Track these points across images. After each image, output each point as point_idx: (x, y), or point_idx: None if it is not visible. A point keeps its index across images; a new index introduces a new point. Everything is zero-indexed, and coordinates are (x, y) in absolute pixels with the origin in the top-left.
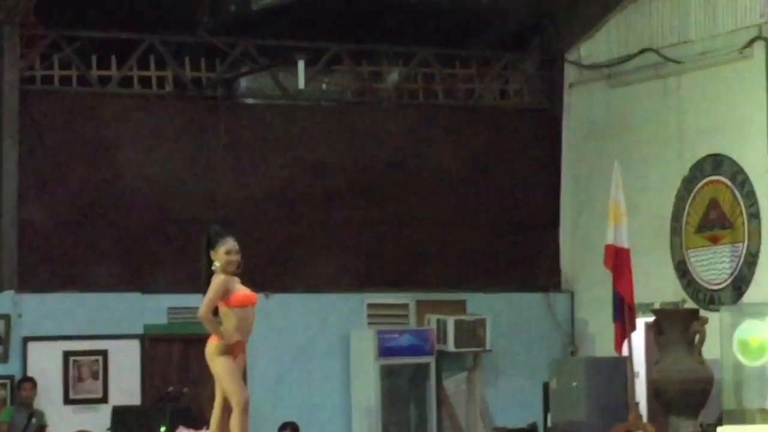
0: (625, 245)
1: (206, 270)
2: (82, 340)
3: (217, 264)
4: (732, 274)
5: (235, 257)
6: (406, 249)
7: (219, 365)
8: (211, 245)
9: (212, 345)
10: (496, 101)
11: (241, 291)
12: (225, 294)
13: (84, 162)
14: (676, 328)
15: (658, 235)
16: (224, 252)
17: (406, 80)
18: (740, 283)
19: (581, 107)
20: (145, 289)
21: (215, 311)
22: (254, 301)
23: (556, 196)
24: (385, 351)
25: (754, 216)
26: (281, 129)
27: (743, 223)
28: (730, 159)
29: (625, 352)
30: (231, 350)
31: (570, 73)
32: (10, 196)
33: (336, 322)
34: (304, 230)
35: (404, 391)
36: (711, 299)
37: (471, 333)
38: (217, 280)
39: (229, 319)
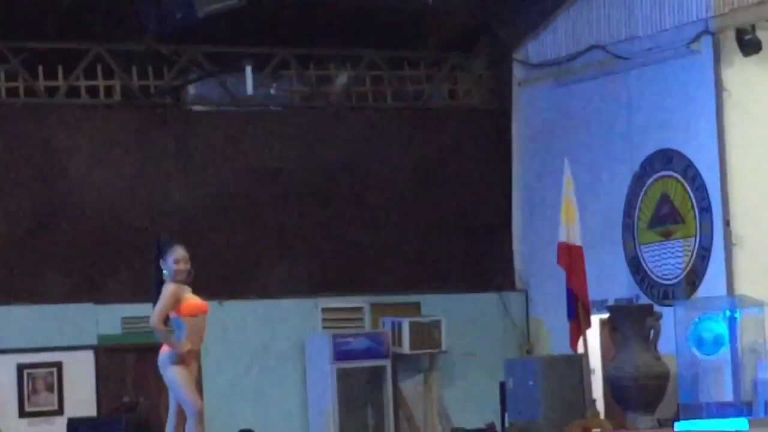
0: (578, 242)
1: (157, 279)
2: (36, 352)
3: (166, 273)
4: (685, 268)
5: (184, 266)
6: (360, 252)
7: (172, 374)
8: (160, 255)
9: (164, 354)
10: (446, 102)
11: (192, 300)
12: (176, 303)
13: (33, 173)
14: (631, 324)
15: (610, 232)
16: (173, 261)
17: (355, 83)
18: (694, 278)
19: (530, 106)
20: (99, 299)
21: (166, 320)
22: (205, 309)
23: (508, 195)
24: (340, 355)
25: (706, 210)
26: (231, 135)
27: (695, 218)
28: (680, 154)
29: (580, 349)
30: (183, 359)
31: (518, 72)
32: None
33: (291, 327)
34: (257, 236)
35: (361, 394)
36: (665, 294)
37: (426, 335)
38: (168, 290)
39: (180, 327)
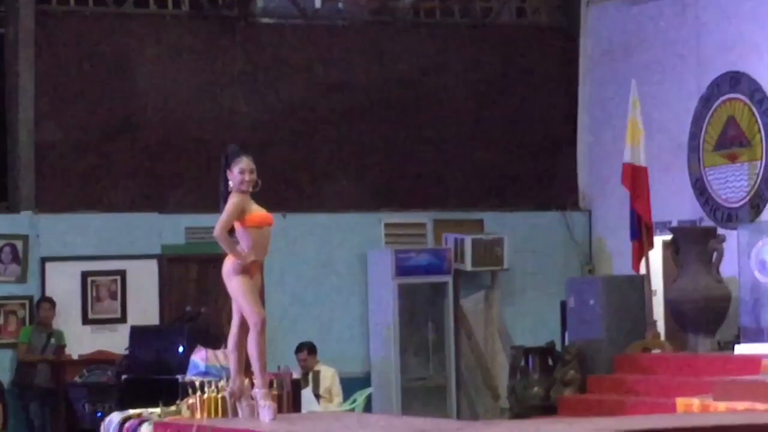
0: (643, 164)
1: (223, 190)
2: (101, 260)
3: (232, 184)
4: (750, 192)
5: (250, 176)
6: (424, 168)
7: (235, 285)
8: (227, 165)
9: (228, 264)
10: (514, 20)
11: (257, 211)
12: (241, 214)
13: (100, 82)
14: (694, 246)
15: (675, 154)
16: (238, 171)
17: None
18: (758, 201)
19: (599, 25)
20: (163, 209)
21: (231, 231)
22: (270, 221)
23: (574, 114)
24: (402, 270)
25: None
26: (298, 49)
27: (761, 141)
28: (748, 77)
29: (642, 270)
30: (247, 270)
31: None
32: (27, 117)
33: (353, 242)
34: (322, 150)
35: (422, 310)
36: (728, 217)
37: (488, 252)
38: (234, 200)
39: (244, 238)
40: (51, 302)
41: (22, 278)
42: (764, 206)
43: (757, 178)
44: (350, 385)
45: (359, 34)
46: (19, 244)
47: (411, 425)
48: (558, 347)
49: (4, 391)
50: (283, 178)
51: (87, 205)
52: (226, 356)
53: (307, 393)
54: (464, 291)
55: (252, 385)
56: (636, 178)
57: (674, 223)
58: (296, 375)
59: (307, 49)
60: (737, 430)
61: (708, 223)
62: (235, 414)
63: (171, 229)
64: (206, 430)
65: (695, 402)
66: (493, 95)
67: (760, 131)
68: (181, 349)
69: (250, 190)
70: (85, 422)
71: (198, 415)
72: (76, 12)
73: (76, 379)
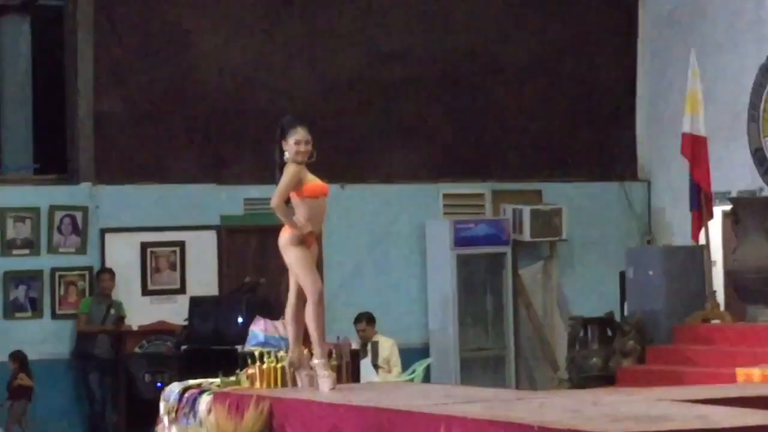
0: (702, 133)
1: (279, 161)
2: (160, 231)
3: (287, 155)
4: None
5: (305, 147)
6: (482, 139)
7: (292, 255)
8: (282, 135)
9: (285, 235)
10: None
11: (313, 182)
12: (297, 184)
13: (160, 53)
14: (754, 216)
15: (735, 123)
16: (294, 142)
17: None
18: None
19: None
20: (222, 180)
21: (287, 201)
22: (326, 191)
23: (633, 84)
24: (461, 241)
25: None
26: (357, 18)
27: None
28: None
29: (702, 240)
30: (304, 241)
31: None
32: (86, 88)
33: (412, 213)
34: (380, 120)
35: (480, 280)
36: None
37: (547, 222)
38: (290, 170)
39: (301, 209)
40: (111, 273)
41: (81, 249)
42: None
43: None
44: (409, 356)
45: (419, 3)
46: (78, 216)
47: (470, 395)
48: (617, 318)
49: (27, 360)
50: (340, 149)
51: (146, 177)
52: (285, 327)
53: (365, 363)
54: (522, 261)
55: (311, 355)
56: (695, 148)
57: (734, 193)
58: (355, 345)
59: (366, 18)
60: None
61: None
62: (294, 384)
63: (230, 200)
64: (266, 400)
65: (755, 372)
66: (553, 65)
67: None
68: (240, 319)
69: (306, 160)
70: (145, 393)
71: (257, 385)
72: None
73: (136, 349)
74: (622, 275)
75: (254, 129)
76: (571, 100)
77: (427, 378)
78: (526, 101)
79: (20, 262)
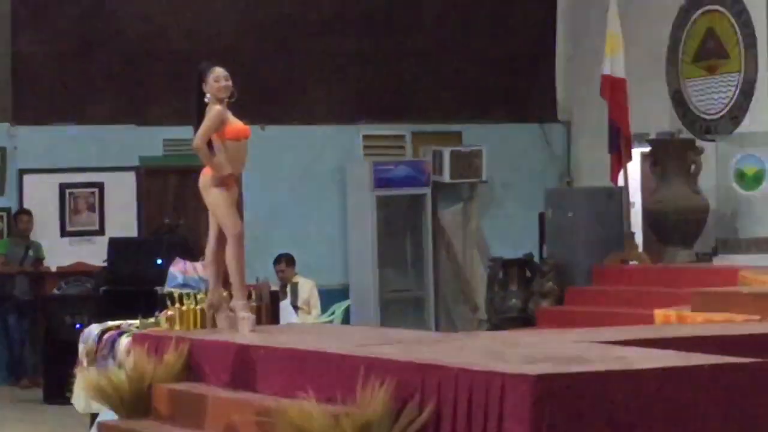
0: (622, 75)
1: (197, 106)
2: (78, 172)
3: (209, 96)
4: (728, 104)
5: (225, 82)
6: (402, 81)
7: (212, 197)
8: (201, 79)
9: (206, 177)
10: None
11: (235, 123)
12: (220, 125)
13: None
14: (672, 158)
15: (654, 65)
16: (214, 80)
17: None
18: (736, 113)
19: None
20: (141, 121)
21: (209, 144)
22: (248, 134)
23: (553, 25)
24: (380, 182)
25: (751, 45)
26: None
27: (740, 53)
28: None
29: (621, 182)
30: (224, 182)
31: None
32: (3, 28)
33: (331, 154)
34: (300, 62)
35: (400, 222)
36: (707, 129)
37: (467, 164)
38: (213, 111)
39: (222, 151)
40: (29, 214)
41: None
42: (743, 118)
43: (736, 89)
44: (328, 297)
45: None
46: None
47: (390, 337)
48: (536, 259)
49: None
50: (261, 91)
51: (65, 118)
52: (204, 268)
53: (285, 305)
54: (442, 203)
55: (230, 297)
56: (615, 90)
57: (653, 135)
58: (274, 287)
59: None
60: (714, 340)
61: (686, 135)
62: (214, 326)
63: (149, 141)
64: (185, 342)
65: (673, 313)
66: (472, 6)
67: (739, 43)
68: (159, 261)
69: (227, 98)
70: (64, 334)
71: (177, 327)
72: None
73: (55, 291)
74: (542, 217)
75: (174, 70)
76: (491, 41)
77: (346, 320)
78: (445, 42)
79: None
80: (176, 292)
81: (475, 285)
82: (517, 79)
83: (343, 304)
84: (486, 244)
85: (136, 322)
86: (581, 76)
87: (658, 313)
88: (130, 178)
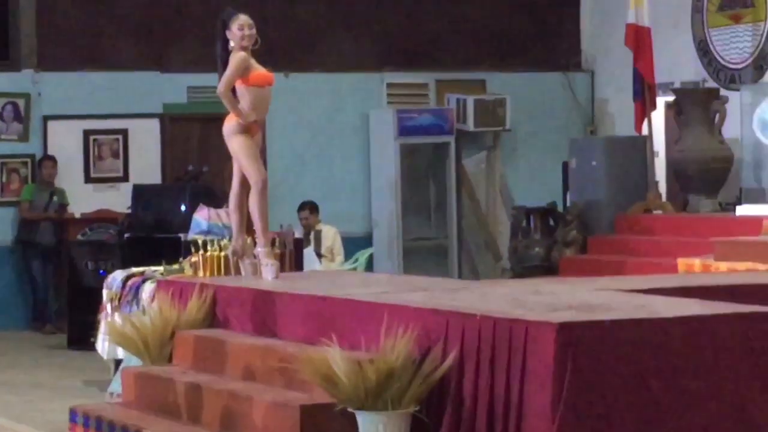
0: (646, 24)
1: (221, 53)
2: (102, 119)
3: (233, 43)
4: (753, 53)
5: (249, 31)
6: (426, 28)
7: (236, 144)
8: (225, 26)
9: (229, 124)
10: None
11: (259, 70)
12: (244, 72)
13: None
14: (697, 107)
15: (679, 14)
16: (237, 28)
17: None
18: (761, 63)
19: None
20: (165, 68)
21: (233, 90)
22: (271, 80)
23: None
24: (404, 130)
25: None
26: None
27: (765, 2)
28: None
29: (645, 131)
30: (248, 129)
31: None
32: None
33: (355, 102)
34: (324, 10)
35: (424, 170)
36: (732, 78)
37: (491, 112)
38: (237, 57)
39: (246, 97)
40: (53, 160)
41: (24, 136)
42: (767, 67)
43: (761, 39)
44: (352, 245)
45: None
46: (21, 103)
47: (413, 284)
48: (560, 208)
49: None
50: (285, 38)
51: (89, 64)
52: (228, 215)
53: (308, 252)
54: (466, 151)
55: (254, 243)
56: (639, 39)
57: (677, 84)
58: (298, 234)
59: None
60: (738, 289)
61: (711, 84)
62: (238, 272)
63: (173, 88)
64: (209, 289)
65: (696, 262)
66: None
67: None
68: (183, 207)
69: (251, 46)
70: (88, 280)
71: (201, 273)
72: None
73: (79, 237)
74: (565, 165)
75: (197, 16)
76: None
77: (369, 267)
78: None
79: None
80: (200, 238)
81: (498, 233)
82: (541, 28)
83: (367, 252)
84: (509, 193)
85: (160, 268)
86: (606, 25)
87: (682, 262)
88: (155, 124)
